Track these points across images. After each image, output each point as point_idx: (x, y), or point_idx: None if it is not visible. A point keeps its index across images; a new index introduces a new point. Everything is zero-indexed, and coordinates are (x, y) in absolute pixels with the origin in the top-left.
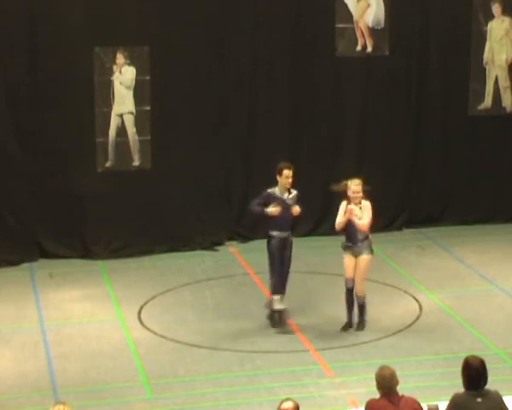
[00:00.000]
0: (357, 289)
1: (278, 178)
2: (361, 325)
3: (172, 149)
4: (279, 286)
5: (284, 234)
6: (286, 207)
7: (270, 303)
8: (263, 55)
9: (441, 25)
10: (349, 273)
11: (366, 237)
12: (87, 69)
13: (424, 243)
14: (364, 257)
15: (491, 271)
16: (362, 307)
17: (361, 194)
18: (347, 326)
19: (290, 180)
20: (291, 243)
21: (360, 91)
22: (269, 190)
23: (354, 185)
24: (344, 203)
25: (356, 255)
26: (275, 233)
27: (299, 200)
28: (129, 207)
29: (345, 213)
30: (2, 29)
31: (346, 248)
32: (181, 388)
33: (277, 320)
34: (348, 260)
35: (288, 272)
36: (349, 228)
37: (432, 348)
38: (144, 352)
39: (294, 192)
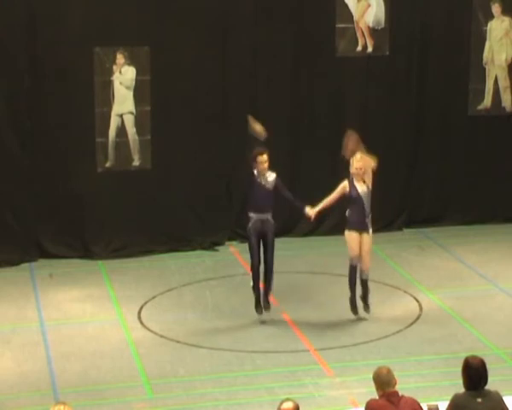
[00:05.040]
0: (366, 266)
1: (254, 165)
2: (367, 308)
3: (172, 149)
4: (256, 275)
5: (264, 216)
6: (265, 190)
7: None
8: (263, 56)
9: (441, 25)
10: (356, 251)
11: (369, 213)
12: (87, 69)
13: (424, 243)
14: (370, 234)
15: (491, 271)
16: (367, 283)
17: (364, 169)
18: (354, 306)
19: (265, 165)
20: (272, 225)
21: (360, 91)
22: (255, 172)
23: (356, 161)
24: (345, 182)
25: (361, 232)
26: (253, 215)
27: (279, 179)
28: (129, 207)
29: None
30: (2, 29)
31: (351, 225)
32: (181, 388)
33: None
34: (354, 237)
35: (272, 258)
36: (355, 204)
37: (432, 348)
38: (144, 352)
39: (272, 176)
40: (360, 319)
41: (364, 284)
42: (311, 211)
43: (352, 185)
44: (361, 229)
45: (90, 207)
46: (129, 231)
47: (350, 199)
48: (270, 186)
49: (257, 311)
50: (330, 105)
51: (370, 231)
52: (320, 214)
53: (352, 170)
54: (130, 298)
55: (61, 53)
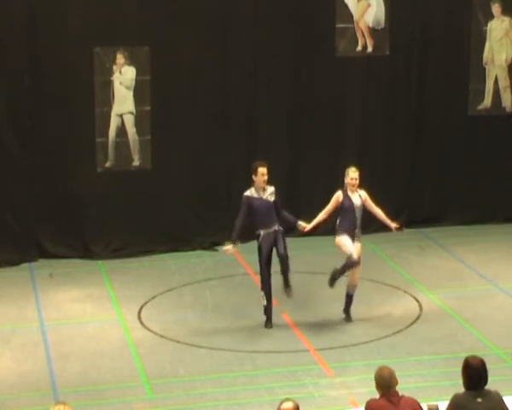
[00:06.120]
0: (354, 281)
1: (254, 177)
2: (349, 318)
3: (172, 149)
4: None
5: (272, 229)
6: (266, 204)
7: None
8: (263, 56)
9: (441, 25)
10: (352, 246)
11: (359, 227)
12: (87, 69)
13: (424, 243)
14: (360, 245)
15: (491, 271)
16: (351, 298)
17: (358, 181)
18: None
19: (265, 178)
20: (282, 233)
21: (360, 91)
22: (246, 194)
23: (352, 172)
24: (339, 192)
25: (354, 240)
26: (261, 231)
27: (277, 194)
28: (129, 207)
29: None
30: (2, 29)
31: (342, 230)
32: (181, 388)
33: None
34: (347, 237)
35: (287, 265)
36: (347, 214)
37: (432, 348)
38: (144, 352)
39: (271, 189)
40: (360, 319)
41: (349, 298)
42: (304, 224)
43: (345, 196)
44: (351, 236)
45: (90, 207)
46: (129, 231)
47: (342, 208)
48: (270, 199)
49: (266, 327)
50: (330, 105)
51: (360, 243)
52: (316, 228)
53: (347, 180)
54: (130, 298)
55: (61, 53)
